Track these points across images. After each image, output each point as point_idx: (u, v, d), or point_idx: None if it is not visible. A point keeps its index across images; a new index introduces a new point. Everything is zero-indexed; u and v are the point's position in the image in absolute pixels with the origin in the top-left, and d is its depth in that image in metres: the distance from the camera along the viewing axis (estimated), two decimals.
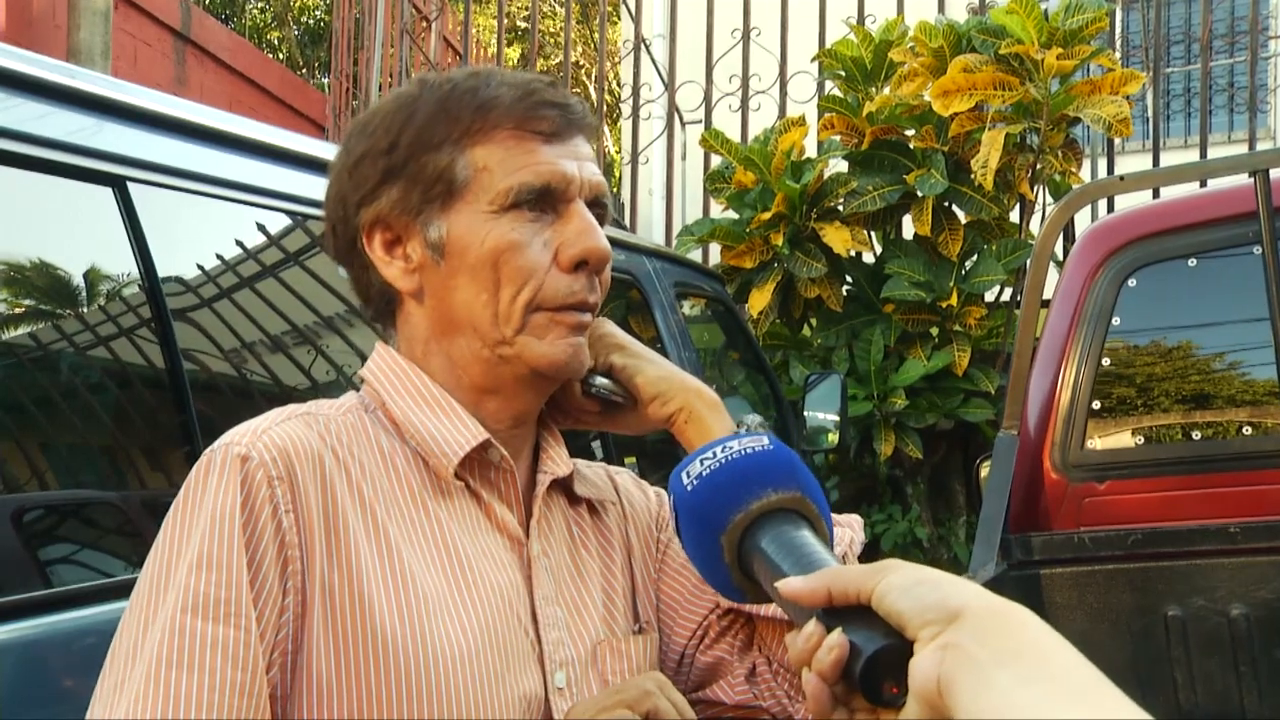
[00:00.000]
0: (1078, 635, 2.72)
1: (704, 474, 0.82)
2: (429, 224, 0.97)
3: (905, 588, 0.67)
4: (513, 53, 14.86)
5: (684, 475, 0.83)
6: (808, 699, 0.70)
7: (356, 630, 0.88)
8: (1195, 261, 2.97)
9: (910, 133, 5.14)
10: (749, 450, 0.82)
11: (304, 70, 14.71)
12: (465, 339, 0.98)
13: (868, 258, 5.42)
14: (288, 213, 2.08)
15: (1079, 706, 0.59)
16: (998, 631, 0.63)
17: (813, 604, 0.71)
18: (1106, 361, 3.03)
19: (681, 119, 6.70)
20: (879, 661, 0.67)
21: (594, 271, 0.99)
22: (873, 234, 5.31)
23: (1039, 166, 4.98)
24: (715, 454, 0.83)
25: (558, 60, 14.70)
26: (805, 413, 4.03)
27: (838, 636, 0.69)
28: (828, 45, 5.65)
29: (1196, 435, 3.02)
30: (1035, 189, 5.12)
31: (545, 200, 0.97)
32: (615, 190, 9.28)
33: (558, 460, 1.05)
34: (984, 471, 3.19)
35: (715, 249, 5.46)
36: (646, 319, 3.38)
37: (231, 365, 1.95)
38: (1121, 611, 2.79)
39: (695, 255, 5.40)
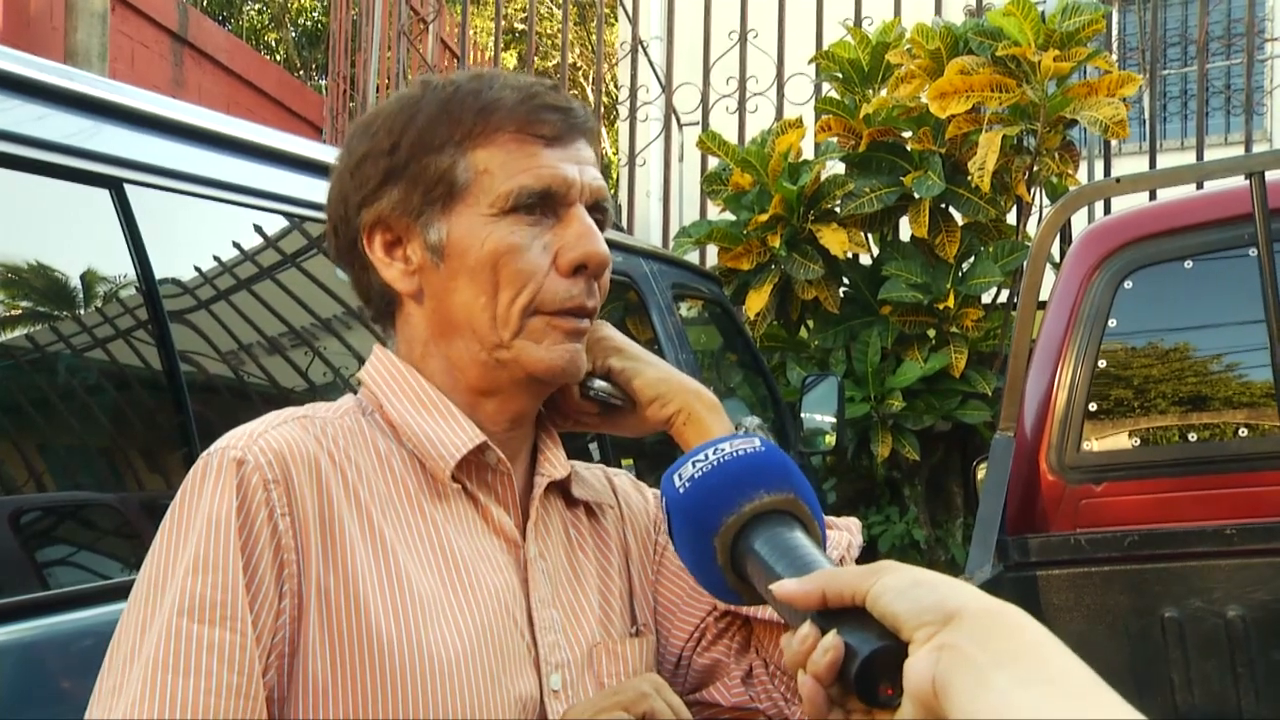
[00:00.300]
0: (1074, 637, 2.73)
1: (696, 476, 0.82)
2: (429, 226, 0.97)
3: (901, 589, 0.68)
4: (510, 55, 14.86)
5: (675, 477, 0.83)
6: (803, 701, 0.70)
7: (352, 632, 0.88)
8: (1191, 263, 2.98)
9: (907, 135, 5.15)
10: (740, 452, 0.82)
11: (301, 72, 14.71)
12: (463, 341, 0.98)
13: (865, 259, 5.43)
14: (284, 214, 2.08)
15: (1077, 708, 0.59)
16: (995, 633, 0.64)
17: (807, 606, 0.71)
18: (1103, 363, 3.03)
19: (679, 121, 6.70)
20: (874, 663, 0.67)
21: (593, 276, 0.99)
22: (870, 236, 5.31)
23: (1036, 168, 4.99)
24: (707, 456, 0.83)
25: (555, 62, 14.71)
26: (802, 414, 4.03)
27: (833, 638, 0.69)
28: (825, 47, 5.65)
29: (1193, 437, 3.03)
30: (1032, 191, 5.13)
31: (545, 204, 0.97)
32: (613, 192, 9.28)
33: (555, 463, 1.05)
34: (981, 473, 3.19)
35: (712, 251, 5.46)
36: (644, 321, 3.38)
37: (229, 367, 1.95)
38: (1118, 613, 2.79)
39: (692, 257, 5.41)
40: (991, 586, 2.55)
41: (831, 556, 0.79)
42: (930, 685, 0.63)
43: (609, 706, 0.94)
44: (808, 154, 5.45)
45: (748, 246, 5.18)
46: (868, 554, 4.95)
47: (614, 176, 11.58)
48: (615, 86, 12.23)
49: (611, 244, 1.04)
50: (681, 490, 0.82)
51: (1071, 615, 2.79)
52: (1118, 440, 3.07)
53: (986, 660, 0.62)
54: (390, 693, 0.88)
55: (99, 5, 6.05)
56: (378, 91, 7.05)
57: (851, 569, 0.72)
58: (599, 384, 1.06)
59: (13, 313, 1.59)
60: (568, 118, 0.99)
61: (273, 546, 0.87)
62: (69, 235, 1.70)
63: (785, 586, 0.73)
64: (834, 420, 3.97)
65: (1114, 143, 5.86)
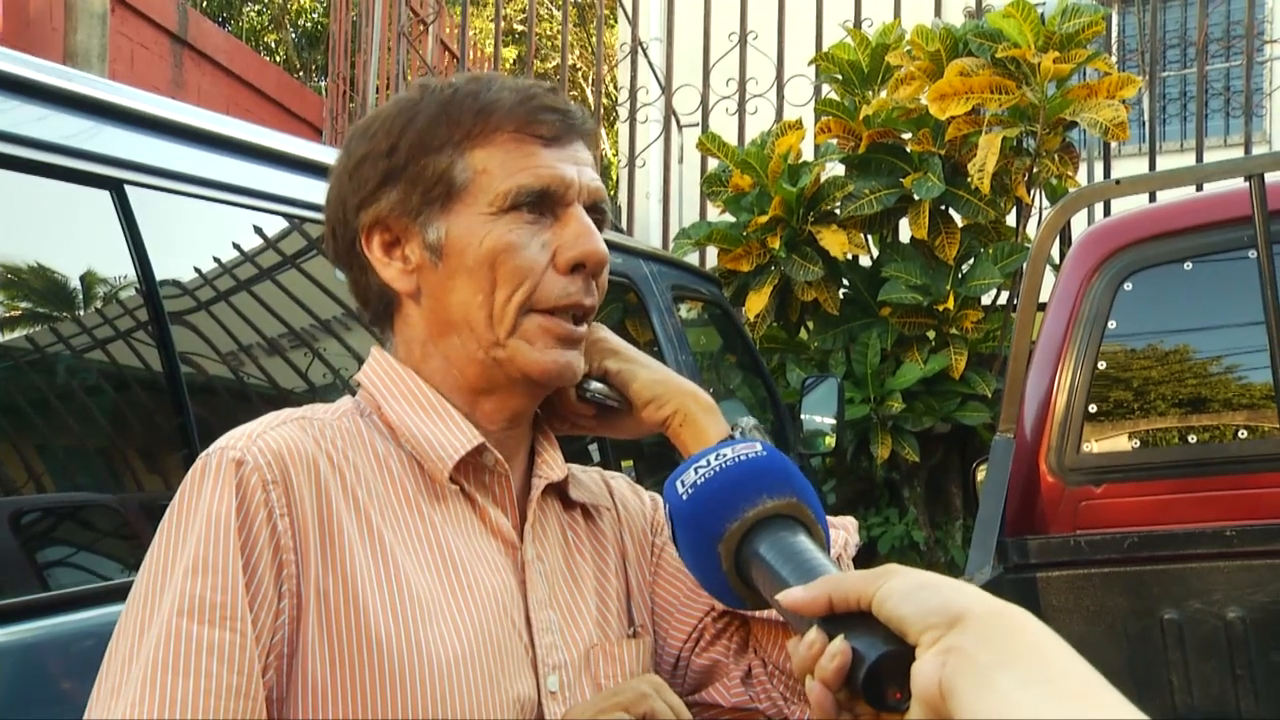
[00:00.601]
0: (1074, 638, 2.71)
1: (698, 482, 0.82)
2: (428, 225, 0.98)
3: (906, 592, 0.67)
4: (509, 55, 14.86)
5: (678, 484, 0.83)
6: (812, 706, 0.70)
7: (350, 633, 0.88)
8: (1191, 265, 2.98)
9: (907, 136, 5.15)
10: (743, 457, 0.82)
11: (301, 73, 14.71)
12: (461, 339, 0.98)
13: (864, 261, 5.43)
14: (284, 216, 2.08)
15: (1078, 707, 0.59)
16: (998, 634, 0.64)
17: (814, 613, 0.71)
18: (1102, 365, 3.03)
19: (679, 122, 6.70)
20: (882, 668, 0.67)
21: (591, 275, 0.99)
22: (869, 237, 5.31)
23: (1035, 170, 4.99)
24: (709, 462, 0.83)
25: (555, 63, 14.72)
26: (802, 416, 4.03)
27: (840, 644, 0.69)
28: (825, 49, 5.65)
29: (1192, 439, 3.03)
30: (1032, 192, 5.13)
31: (544, 203, 0.97)
32: (612, 194, 9.28)
33: (552, 465, 1.05)
34: (980, 475, 3.19)
35: (712, 252, 5.46)
36: (643, 322, 3.38)
37: (229, 368, 1.95)
38: (1118, 615, 2.79)
39: (692, 258, 5.41)
40: (991, 588, 2.53)
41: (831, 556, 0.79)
42: (937, 688, 0.63)
43: (609, 707, 0.94)
44: (807, 155, 5.45)
45: (747, 248, 5.18)
46: (867, 555, 4.95)
47: (614, 178, 11.59)
48: (615, 88, 12.24)
49: (611, 245, 1.04)
50: (684, 497, 0.82)
51: (1071, 617, 2.79)
52: (1117, 442, 3.07)
53: (989, 661, 0.62)
54: (388, 693, 0.88)
55: (98, 6, 6.05)
56: (377, 93, 7.05)
57: (856, 574, 0.71)
58: (595, 386, 1.06)
59: (13, 314, 1.59)
60: (566, 119, 0.99)
61: (272, 547, 0.87)
62: (69, 236, 1.70)
63: (791, 595, 0.73)
64: (833, 422, 3.98)
65: (1113, 144, 5.86)
